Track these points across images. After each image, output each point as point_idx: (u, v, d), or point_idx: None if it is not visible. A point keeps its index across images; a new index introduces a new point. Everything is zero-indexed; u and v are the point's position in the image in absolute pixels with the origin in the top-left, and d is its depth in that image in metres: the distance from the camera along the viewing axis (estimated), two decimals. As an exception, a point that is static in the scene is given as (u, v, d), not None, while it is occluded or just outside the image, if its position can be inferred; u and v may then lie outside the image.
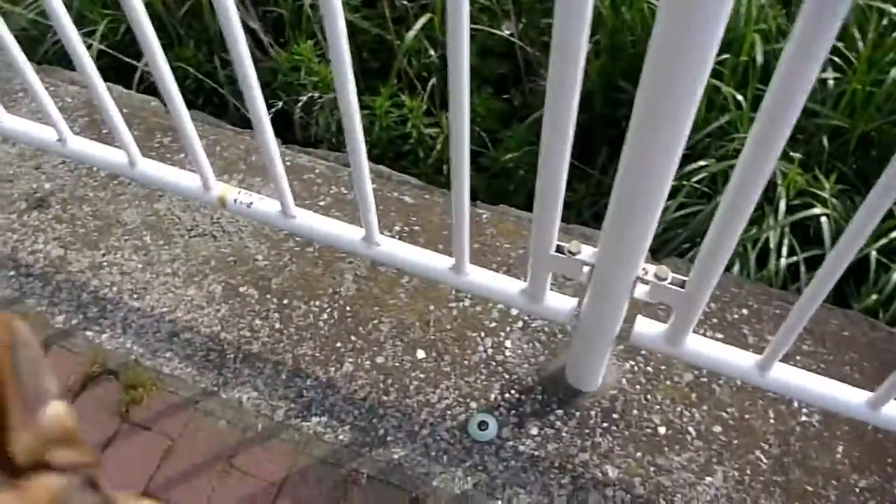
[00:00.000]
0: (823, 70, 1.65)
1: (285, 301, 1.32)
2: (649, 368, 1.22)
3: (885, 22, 1.64)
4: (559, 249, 0.98)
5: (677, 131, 0.72)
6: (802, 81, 0.62)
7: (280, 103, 1.87)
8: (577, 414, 1.17)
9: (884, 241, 1.51)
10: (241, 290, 1.34)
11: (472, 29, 1.78)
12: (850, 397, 1.00)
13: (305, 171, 1.51)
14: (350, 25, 2.14)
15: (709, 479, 1.11)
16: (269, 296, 1.32)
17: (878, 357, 1.24)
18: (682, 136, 0.73)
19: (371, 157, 1.89)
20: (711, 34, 0.62)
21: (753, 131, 0.69)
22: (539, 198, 0.90)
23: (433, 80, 1.88)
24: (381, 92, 1.84)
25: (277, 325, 1.29)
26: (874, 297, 1.51)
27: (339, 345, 1.26)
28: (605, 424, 1.16)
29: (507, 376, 1.21)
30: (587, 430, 1.15)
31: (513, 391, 1.19)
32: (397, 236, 1.36)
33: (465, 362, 1.23)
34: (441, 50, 1.92)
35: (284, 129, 1.89)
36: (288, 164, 1.49)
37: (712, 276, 0.91)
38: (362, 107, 1.90)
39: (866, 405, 0.99)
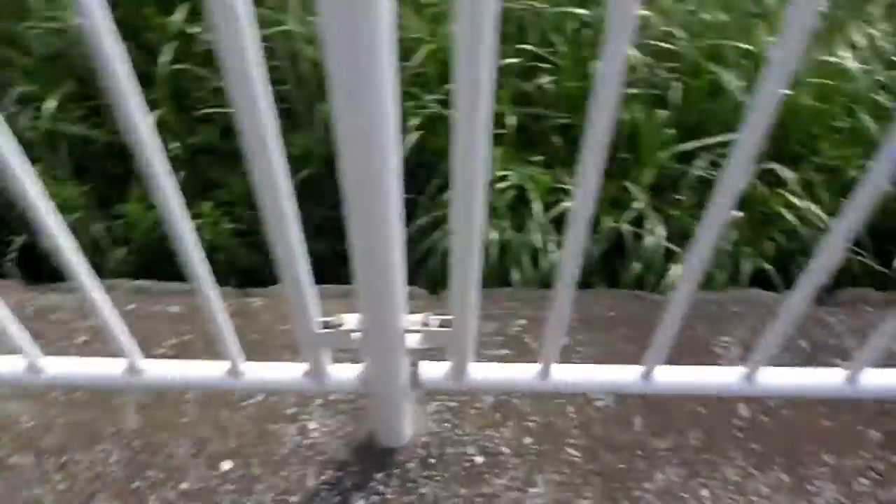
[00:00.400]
0: (536, 76, 1.80)
1: (64, 458, 1.20)
2: (452, 403, 1.25)
3: (576, 25, 1.81)
4: (326, 325, 0.98)
5: (382, 168, 0.71)
6: (481, 76, 0.64)
7: (22, 237, 1.73)
8: (397, 472, 1.17)
9: (631, 212, 1.67)
10: (11, 461, 1.20)
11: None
12: (624, 376, 1.08)
13: (56, 310, 1.39)
14: (82, 138, 2.00)
15: (533, 490, 1.15)
16: (45, 457, 1.20)
17: (646, 327, 1.35)
18: (389, 176, 0.72)
19: (138, 265, 1.80)
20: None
21: (456, 138, 0.70)
22: (284, 283, 0.89)
23: (182, 174, 1.82)
24: (130, 198, 1.76)
25: (61, 487, 1.17)
26: (637, 265, 1.66)
27: (136, 485, 1.16)
28: (425, 473, 1.17)
29: (319, 458, 1.18)
30: (410, 485, 1.15)
31: (329, 471, 1.17)
32: (171, 351, 1.29)
33: (275, 458, 1.19)
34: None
35: (35, 263, 1.74)
36: (33, 308, 1.37)
37: (468, 307, 0.94)
38: (117, 216, 1.81)
39: (640, 378, 1.07)
